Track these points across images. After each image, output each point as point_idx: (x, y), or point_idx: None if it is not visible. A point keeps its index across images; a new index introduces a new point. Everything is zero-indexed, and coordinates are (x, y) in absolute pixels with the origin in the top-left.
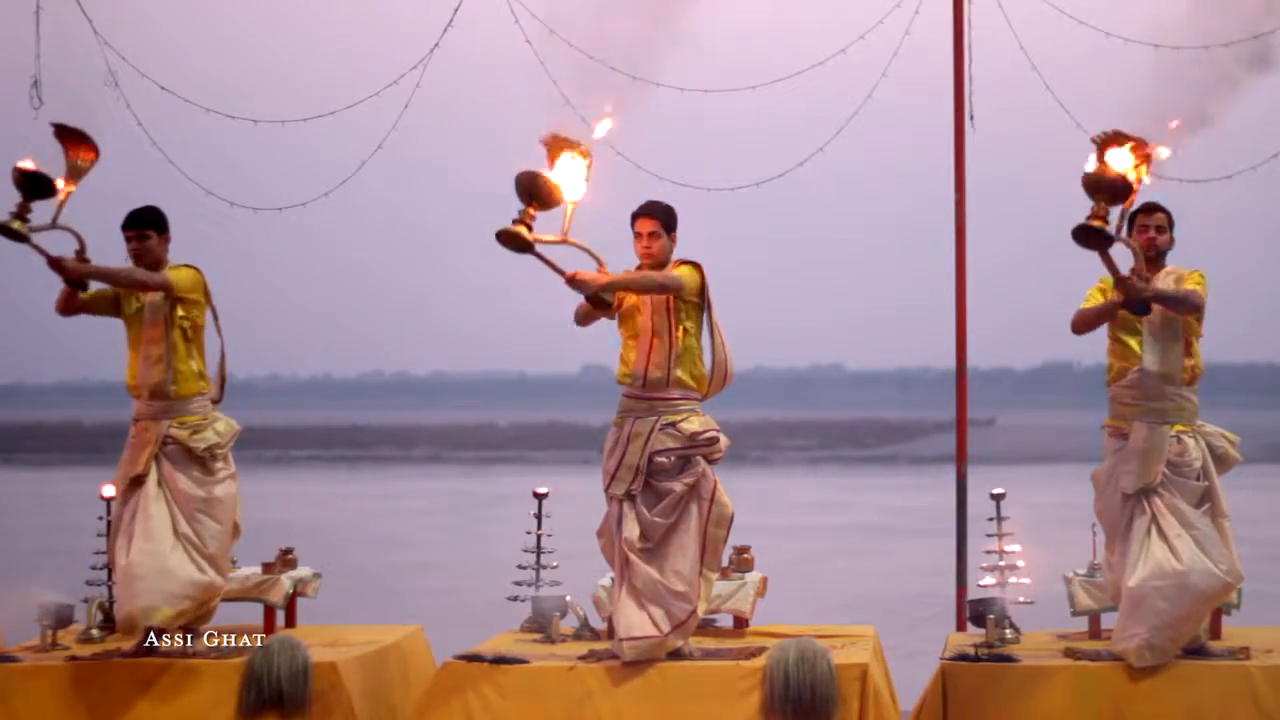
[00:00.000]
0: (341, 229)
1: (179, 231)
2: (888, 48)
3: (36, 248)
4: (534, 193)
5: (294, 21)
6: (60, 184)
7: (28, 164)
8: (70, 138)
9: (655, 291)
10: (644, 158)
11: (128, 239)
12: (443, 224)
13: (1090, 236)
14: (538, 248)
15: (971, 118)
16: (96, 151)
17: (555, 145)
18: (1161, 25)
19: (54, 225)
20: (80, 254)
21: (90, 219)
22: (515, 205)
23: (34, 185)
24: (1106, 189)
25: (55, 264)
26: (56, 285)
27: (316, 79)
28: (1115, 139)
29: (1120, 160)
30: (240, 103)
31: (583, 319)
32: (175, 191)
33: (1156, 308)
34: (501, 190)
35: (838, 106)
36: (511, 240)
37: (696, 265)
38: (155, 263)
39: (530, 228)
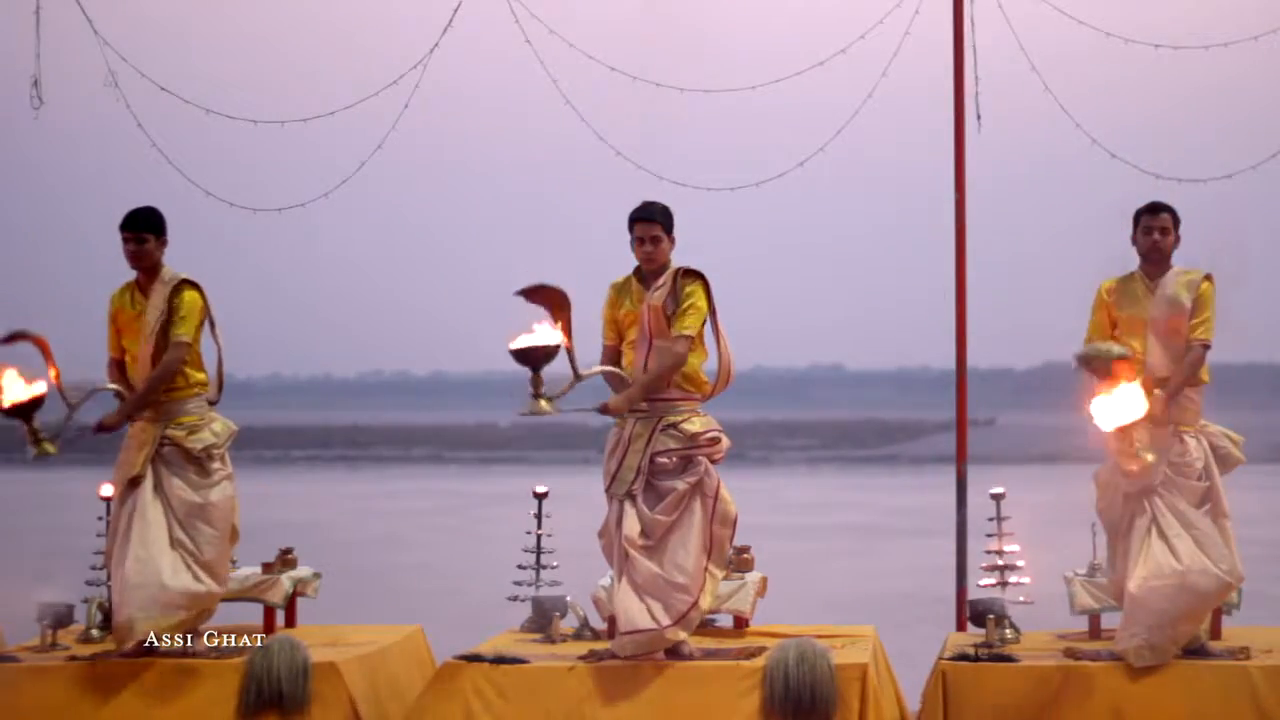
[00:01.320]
0: (341, 229)
1: (179, 232)
2: (888, 48)
3: (77, 436)
4: (533, 361)
5: (293, 21)
6: (39, 388)
7: (8, 401)
8: (21, 337)
9: (680, 368)
10: (644, 158)
11: (125, 240)
12: (443, 224)
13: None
14: (561, 403)
15: (979, 117)
16: (43, 338)
17: (533, 296)
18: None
19: (71, 411)
20: (120, 397)
21: (90, 219)
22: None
23: (24, 410)
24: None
25: (101, 429)
26: (56, 286)
27: (316, 79)
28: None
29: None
30: (240, 103)
31: None
32: (175, 192)
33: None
34: (501, 189)
35: (838, 106)
36: (538, 414)
37: (702, 281)
38: (152, 265)
39: (546, 396)
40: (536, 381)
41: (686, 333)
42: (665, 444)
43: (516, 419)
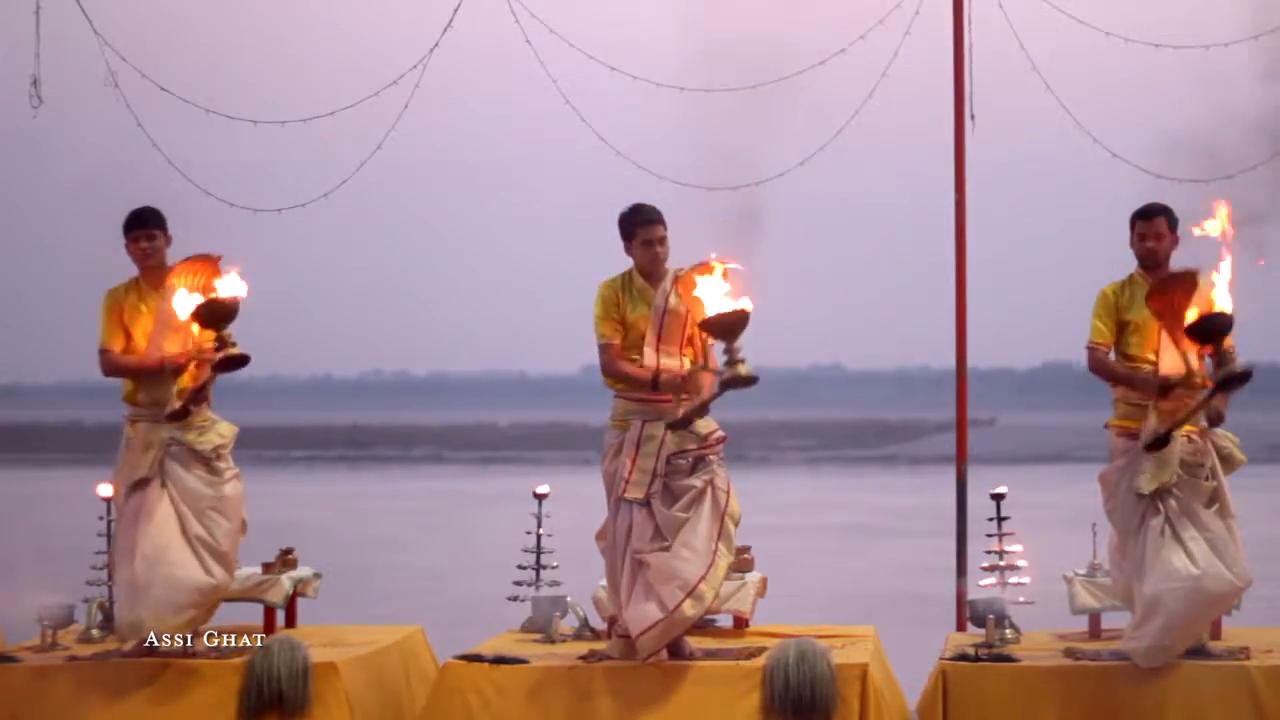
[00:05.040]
0: (341, 229)
1: (178, 232)
2: (888, 48)
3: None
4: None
5: (294, 22)
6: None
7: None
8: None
9: None
10: (644, 158)
11: (135, 239)
12: (443, 224)
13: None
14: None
15: (973, 117)
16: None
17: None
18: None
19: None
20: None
21: (89, 220)
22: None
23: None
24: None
25: (174, 416)
26: (56, 285)
27: (316, 79)
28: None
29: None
30: (240, 103)
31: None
32: (175, 192)
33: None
34: (501, 189)
35: (838, 106)
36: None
37: None
38: (161, 263)
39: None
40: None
41: None
42: (681, 445)
43: (516, 419)
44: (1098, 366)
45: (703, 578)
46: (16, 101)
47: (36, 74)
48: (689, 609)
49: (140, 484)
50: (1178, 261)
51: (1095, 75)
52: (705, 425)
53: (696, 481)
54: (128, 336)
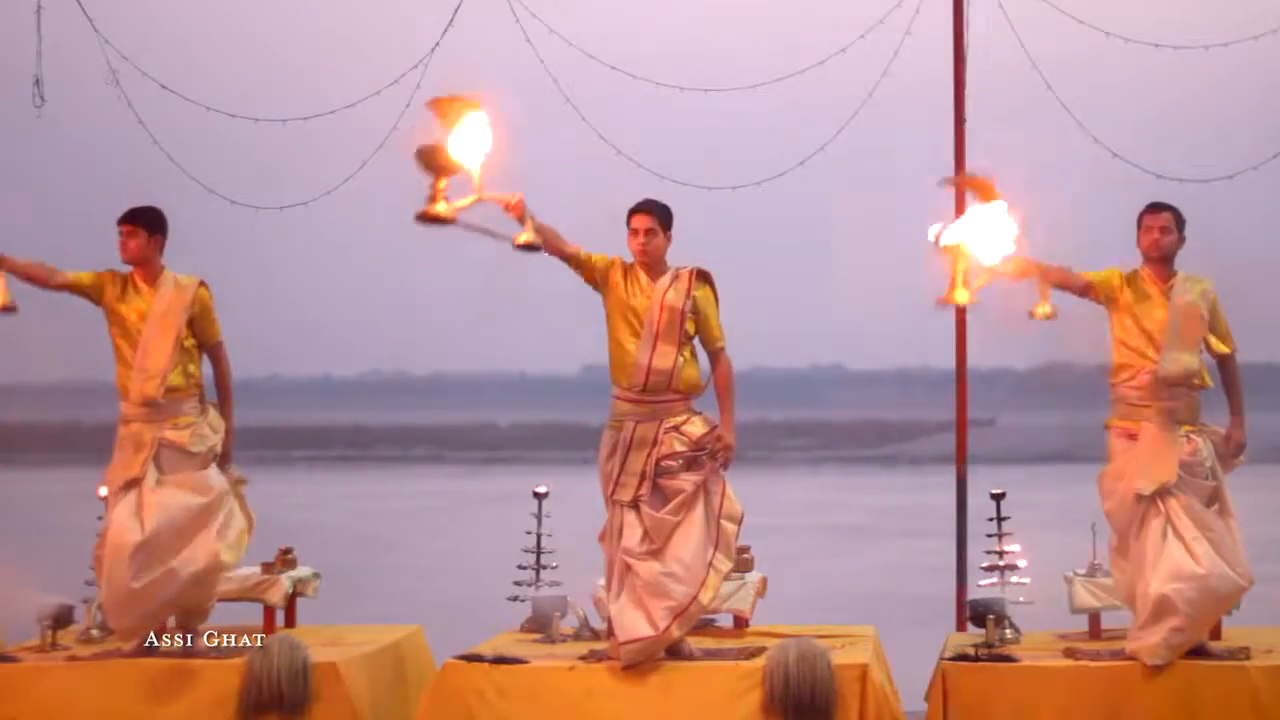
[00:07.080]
0: (342, 228)
1: (180, 230)
2: (888, 48)
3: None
4: (437, 166)
5: (294, 21)
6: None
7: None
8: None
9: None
10: (644, 158)
11: (119, 232)
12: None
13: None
14: (462, 217)
15: (964, 121)
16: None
17: (443, 108)
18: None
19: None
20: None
21: (91, 218)
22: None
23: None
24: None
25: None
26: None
27: (317, 78)
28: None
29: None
30: (241, 101)
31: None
32: (176, 190)
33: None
34: (501, 189)
35: (838, 106)
36: (430, 220)
37: (713, 286)
38: (139, 259)
39: (445, 199)
40: (434, 187)
41: (724, 343)
42: (671, 447)
43: (516, 419)
44: (1051, 269)
45: (694, 598)
46: (18, 100)
47: (38, 73)
48: (676, 630)
49: (131, 484)
50: (1182, 264)
51: (1095, 75)
52: (704, 425)
53: (688, 485)
54: (118, 323)
